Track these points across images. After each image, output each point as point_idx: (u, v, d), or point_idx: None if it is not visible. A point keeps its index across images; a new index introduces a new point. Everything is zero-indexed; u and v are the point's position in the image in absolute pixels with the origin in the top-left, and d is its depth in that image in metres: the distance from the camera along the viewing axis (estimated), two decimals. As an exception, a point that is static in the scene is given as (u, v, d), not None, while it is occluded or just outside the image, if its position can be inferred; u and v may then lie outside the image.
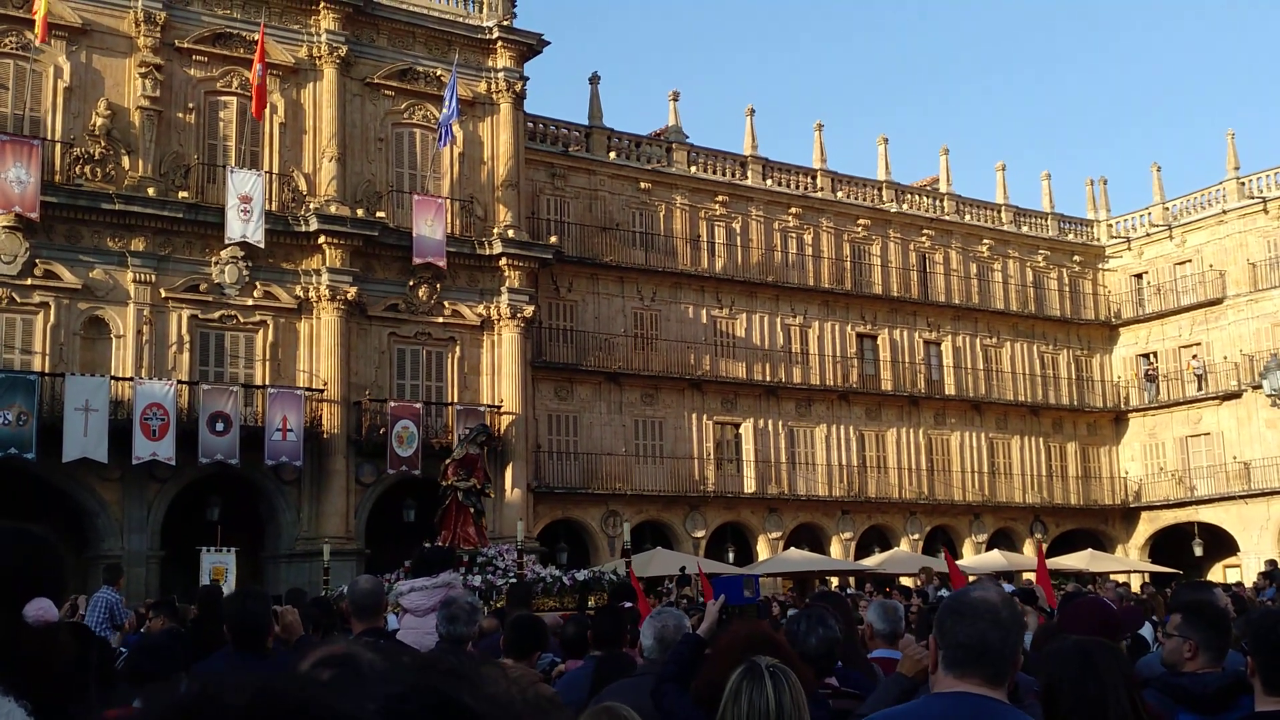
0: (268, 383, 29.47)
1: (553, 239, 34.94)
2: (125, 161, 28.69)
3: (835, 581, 33.93)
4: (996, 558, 37.18)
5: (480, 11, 34.38)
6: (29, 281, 27.21)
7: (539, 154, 36.29)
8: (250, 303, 29.79)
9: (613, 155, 38.07)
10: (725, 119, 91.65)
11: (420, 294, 32.05)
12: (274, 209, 29.99)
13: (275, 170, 30.59)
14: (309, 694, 0.97)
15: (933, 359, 43.61)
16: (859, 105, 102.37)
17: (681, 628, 5.76)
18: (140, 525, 27.68)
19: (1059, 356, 46.60)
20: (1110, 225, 48.97)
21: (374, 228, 31.00)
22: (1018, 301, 46.00)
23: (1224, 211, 44.50)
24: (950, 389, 43.38)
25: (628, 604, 12.26)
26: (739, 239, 40.00)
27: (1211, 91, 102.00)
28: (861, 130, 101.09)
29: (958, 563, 23.83)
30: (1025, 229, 47.19)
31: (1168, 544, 44.51)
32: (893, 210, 43.47)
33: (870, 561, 36.96)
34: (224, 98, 30.42)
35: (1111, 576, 30.60)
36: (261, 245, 29.34)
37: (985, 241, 45.57)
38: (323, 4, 31.29)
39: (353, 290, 30.66)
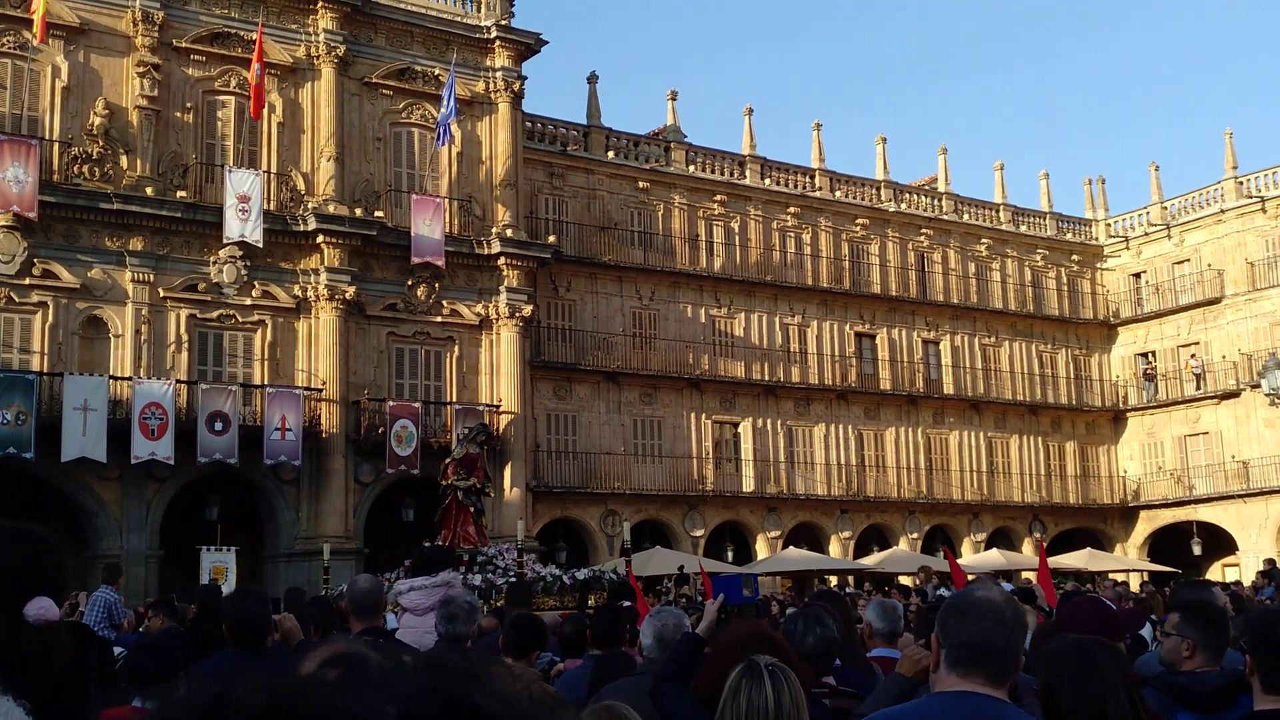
0: (266, 382, 29.46)
1: (551, 238, 34.94)
2: (123, 161, 28.67)
3: (834, 580, 33.94)
4: (995, 557, 37.21)
5: (478, 11, 34.38)
6: (27, 281, 27.20)
7: (537, 153, 36.29)
8: (249, 302, 29.78)
9: (611, 155, 38.07)
10: (724, 118, 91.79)
11: (419, 293, 32.04)
12: (272, 208, 29.99)
13: (273, 170, 30.58)
14: (324, 695, 0.97)
15: (931, 358, 43.63)
16: (857, 105, 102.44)
17: (681, 627, 5.77)
18: (139, 525, 27.68)
19: (1057, 356, 46.62)
20: (1108, 225, 48.99)
21: (372, 227, 31.00)
22: (1016, 301, 46.02)
23: (1222, 211, 44.52)
24: (949, 388, 43.39)
25: (626, 603, 12.27)
26: (737, 238, 40.00)
27: (1210, 91, 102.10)
28: (860, 130, 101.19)
29: (957, 562, 23.82)
30: (1024, 228, 47.22)
31: (1166, 543, 44.54)
32: (891, 210, 43.48)
33: (869, 560, 36.98)
34: (222, 97, 30.42)
35: (1110, 575, 30.58)
36: (260, 245, 29.34)
37: (984, 241, 45.59)
38: (321, 3, 31.28)
39: (351, 290, 30.66)
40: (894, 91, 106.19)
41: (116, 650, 7.94)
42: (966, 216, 45.71)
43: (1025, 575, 31.77)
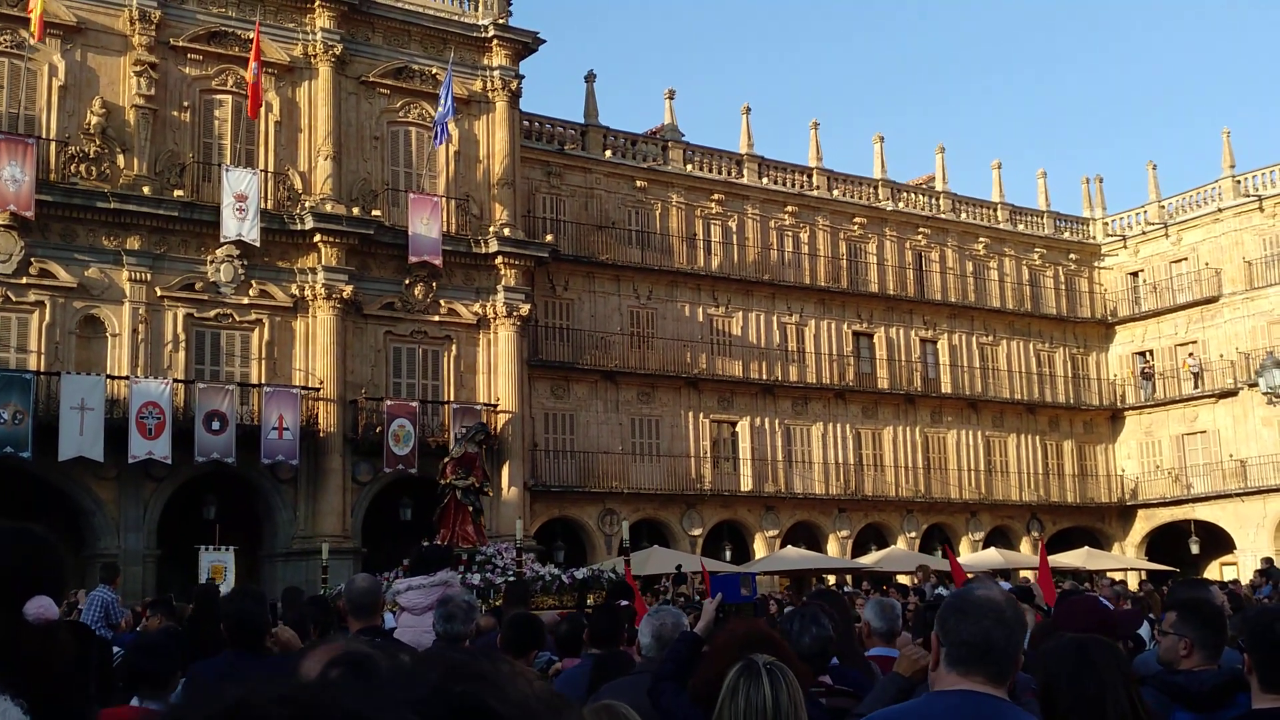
0: (264, 381, 29.45)
1: (549, 237, 34.94)
2: (120, 160, 28.66)
3: (832, 579, 33.95)
4: (993, 555, 37.22)
5: (476, 10, 34.36)
6: (24, 280, 27.18)
7: (535, 152, 36.29)
8: (246, 301, 29.77)
9: (609, 154, 38.06)
10: (721, 117, 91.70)
11: (416, 292, 32.03)
12: (269, 207, 29.98)
13: (270, 169, 30.57)
14: (343, 701, 0.96)
15: (929, 357, 43.64)
16: (855, 104, 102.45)
17: (679, 626, 5.77)
18: (136, 524, 27.66)
19: (1055, 355, 46.65)
20: (1106, 223, 49.02)
21: (370, 226, 30.98)
22: (1014, 300, 46.03)
23: (1220, 210, 44.55)
24: (947, 387, 43.41)
25: (624, 602, 12.27)
26: (735, 237, 40.00)
27: (1207, 90, 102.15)
28: (858, 129, 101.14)
29: (958, 561, 23.83)
30: (1021, 227, 47.24)
31: (1164, 542, 44.56)
32: (889, 209, 43.49)
33: (867, 559, 37.00)
34: (219, 96, 30.40)
35: (1108, 574, 30.59)
36: (257, 244, 29.33)
37: (981, 240, 45.61)
38: (318, 2, 31.26)
39: (348, 289, 30.65)
40: (892, 90, 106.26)
41: (114, 650, 7.93)
42: (964, 215, 45.72)
43: (1023, 574, 31.79)
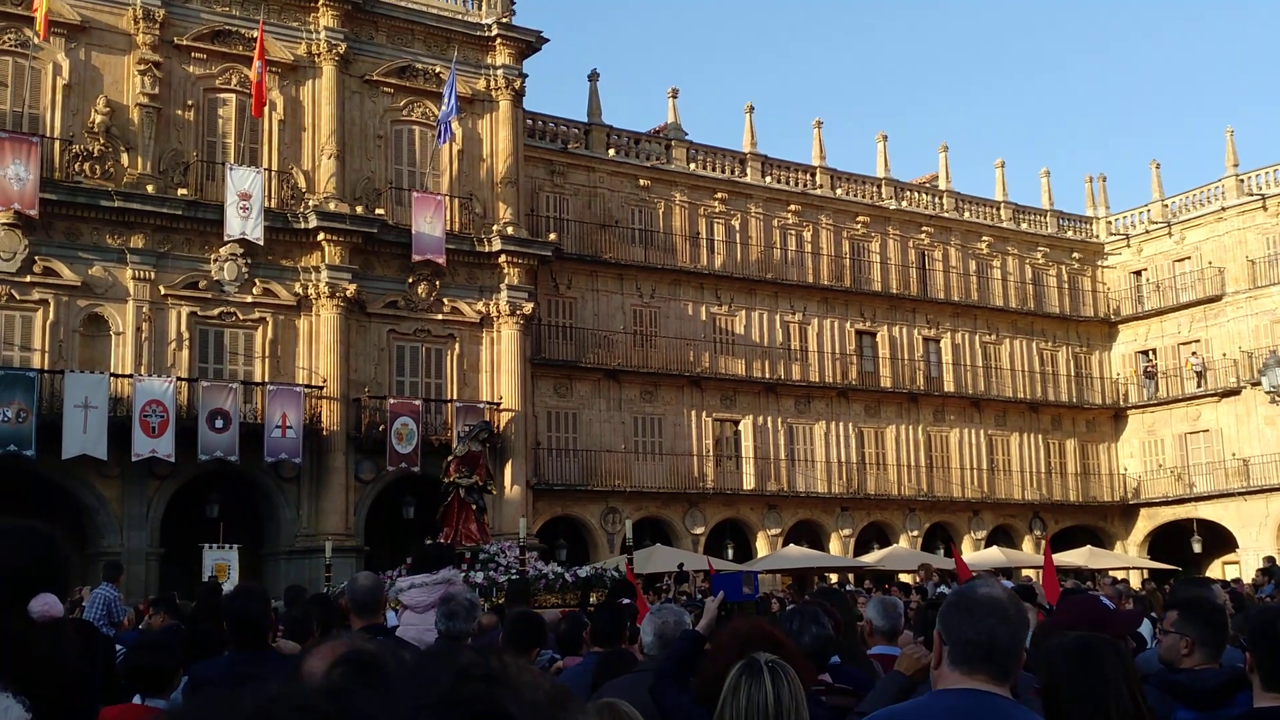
0: (267, 380, 29.48)
1: (552, 236, 34.95)
2: (124, 159, 28.69)
3: (834, 578, 33.93)
4: (995, 554, 37.18)
5: (479, 9, 34.37)
6: (28, 279, 27.22)
7: (538, 151, 36.29)
8: (249, 300, 29.79)
9: (612, 152, 38.06)
10: (724, 116, 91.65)
11: (419, 291, 32.05)
12: (273, 206, 30.00)
13: (274, 167, 30.59)
14: (362, 707, 0.96)
15: (932, 356, 43.62)
16: (858, 102, 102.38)
17: (682, 624, 5.77)
18: (140, 522, 27.69)
19: (1058, 353, 46.62)
20: (1109, 222, 48.98)
21: (373, 225, 31.00)
22: (1017, 298, 46.01)
23: (1223, 208, 44.50)
24: (949, 386, 43.39)
25: (626, 600, 12.28)
26: (738, 236, 39.99)
27: (1211, 89, 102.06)
28: (861, 127, 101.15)
29: (963, 560, 23.87)
30: (1024, 226, 47.20)
31: (1167, 541, 44.52)
32: (892, 207, 43.47)
33: (869, 558, 36.98)
34: (223, 95, 30.42)
35: (1110, 573, 30.57)
36: (261, 242, 29.35)
37: (984, 238, 45.58)
38: (322, 1, 31.28)
39: (352, 287, 30.66)
40: (895, 89, 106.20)
41: (116, 648, 7.95)
42: (967, 214, 45.69)
43: (1025, 573, 31.77)
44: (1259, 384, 34.44)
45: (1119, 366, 47.50)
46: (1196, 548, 41.93)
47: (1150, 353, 46.70)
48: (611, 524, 35.27)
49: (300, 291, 30.42)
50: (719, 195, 39.70)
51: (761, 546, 38.29)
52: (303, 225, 30.21)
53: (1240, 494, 42.06)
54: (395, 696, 1.01)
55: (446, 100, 31.13)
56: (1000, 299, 45.49)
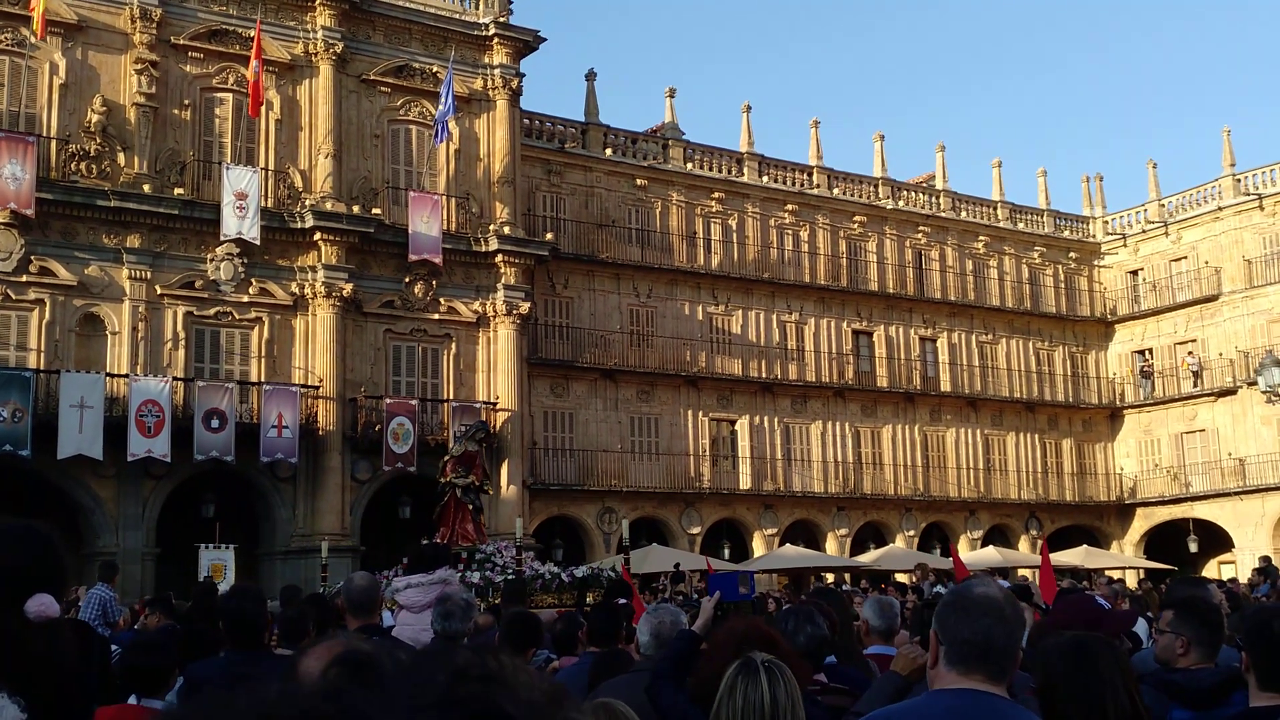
0: (263, 379, 29.46)
1: (549, 236, 34.94)
2: (121, 158, 28.66)
3: (831, 578, 33.97)
4: (992, 554, 37.22)
5: (477, 8, 34.36)
6: (24, 278, 27.18)
7: (535, 151, 36.28)
8: (246, 299, 29.77)
9: (609, 152, 38.06)
10: (722, 116, 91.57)
11: (416, 291, 32.03)
12: (270, 206, 29.97)
13: (271, 167, 30.56)
14: (368, 715, 0.96)
15: (928, 355, 43.64)
16: (856, 102, 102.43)
17: (678, 624, 5.77)
18: (135, 522, 27.67)
19: (1055, 353, 46.65)
20: (1106, 222, 49.02)
21: (370, 224, 30.98)
22: (1013, 298, 46.04)
23: (1220, 208, 44.55)
24: (946, 385, 43.42)
25: (622, 600, 12.28)
26: (735, 236, 40.00)
27: (1208, 88, 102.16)
28: (858, 127, 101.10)
29: (961, 560, 23.87)
30: (1021, 226, 47.23)
31: (1163, 540, 44.56)
32: (889, 207, 43.49)
33: (866, 558, 36.99)
34: (220, 94, 30.40)
35: (1106, 573, 30.61)
36: (257, 242, 29.32)
37: (981, 238, 45.60)
38: (319, 1, 31.26)
39: (348, 287, 30.64)
40: (892, 89, 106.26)
41: (112, 648, 7.94)
42: (964, 214, 45.72)
43: (1021, 573, 31.80)
44: (1255, 384, 34.46)
45: (1115, 366, 47.54)
46: (1193, 547, 41.98)
47: (1147, 352, 46.75)
48: (608, 524, 35.27)
49: (297, 291, 30.40)
50: (716, 195, 39.71)
51: (758, 546, 38.30)
52: (299, 225, 30.19)
53: (1236, 494, 42.12)
54: (391, 697, 1.00)
55: (443, 100, 31.11)
56: (997, 299, 45.52)
